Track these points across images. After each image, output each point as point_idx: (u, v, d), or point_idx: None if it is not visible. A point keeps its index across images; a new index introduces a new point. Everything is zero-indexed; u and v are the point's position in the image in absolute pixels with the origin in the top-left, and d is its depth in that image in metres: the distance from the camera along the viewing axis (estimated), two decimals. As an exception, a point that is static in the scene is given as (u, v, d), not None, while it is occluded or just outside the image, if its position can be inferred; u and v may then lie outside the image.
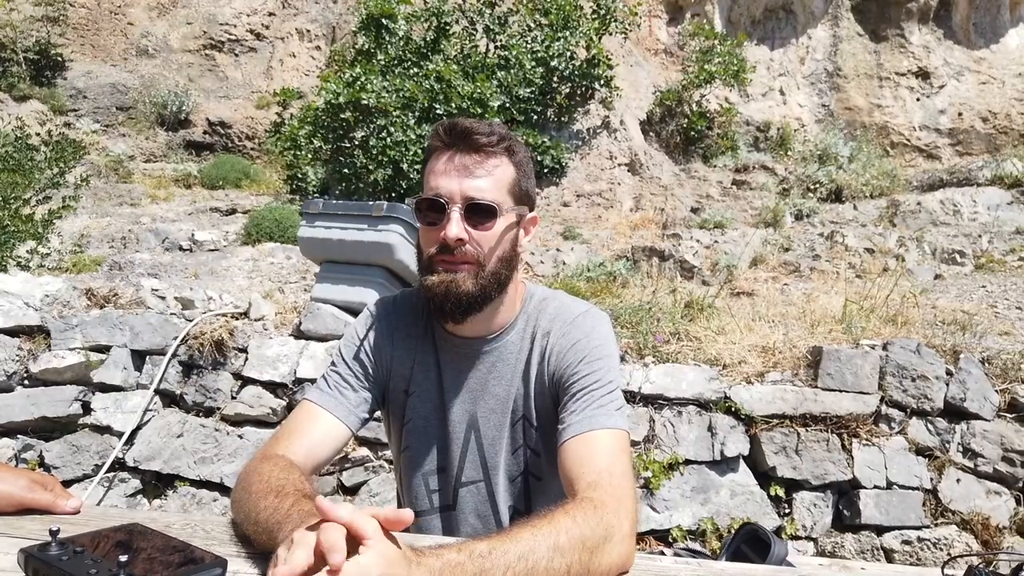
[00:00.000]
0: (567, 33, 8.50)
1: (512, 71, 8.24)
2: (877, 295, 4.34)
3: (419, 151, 7.53)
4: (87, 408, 3.41)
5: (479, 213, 1.29)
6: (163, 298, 3.87)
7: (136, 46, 10.70)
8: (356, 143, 7.83)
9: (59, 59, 10.25)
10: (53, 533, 1.01)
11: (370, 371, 1.47)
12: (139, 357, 3.52)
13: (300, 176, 8.46)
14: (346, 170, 7.74)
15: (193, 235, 6.93)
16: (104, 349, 3.47)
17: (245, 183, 9.35)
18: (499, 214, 1.30)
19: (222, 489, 3.24)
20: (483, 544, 0.93)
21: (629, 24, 9.17)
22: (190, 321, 3.55)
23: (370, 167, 7.64)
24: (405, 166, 7.53)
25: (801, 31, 11.44)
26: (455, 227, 1.27)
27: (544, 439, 1.42)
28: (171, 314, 3.70)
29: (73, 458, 3.32)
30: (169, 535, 1.10)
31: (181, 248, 6.89)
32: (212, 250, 6.84)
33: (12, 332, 3.53)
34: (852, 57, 11.21)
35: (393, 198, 7.58)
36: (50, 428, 3.38)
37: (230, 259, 6.44)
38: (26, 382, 3.44)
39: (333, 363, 1.49)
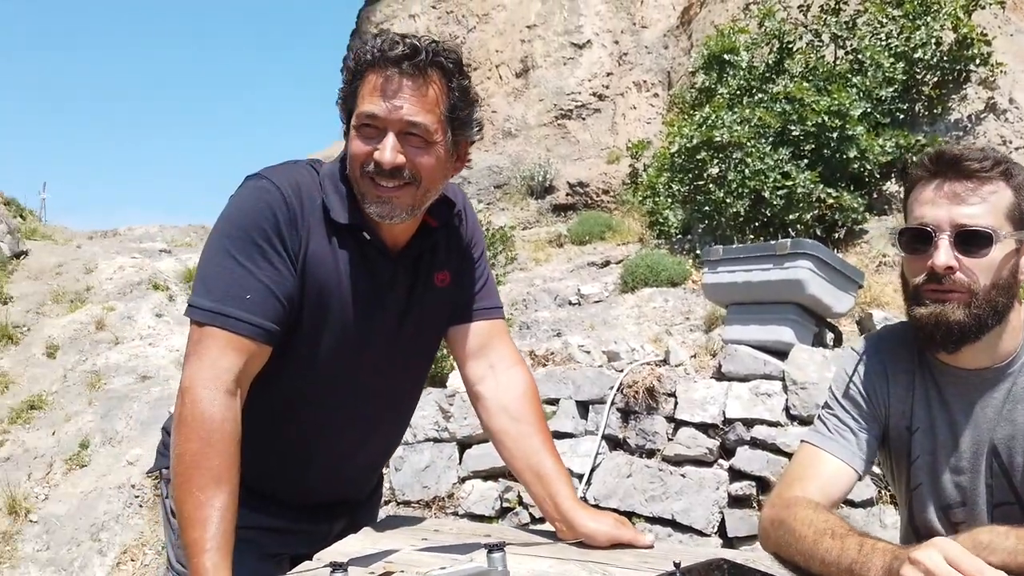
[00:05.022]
0: (927, 19, 7.77)
1: (868, 74, 7.76)
2: None
3: (778, 176, 7.42)
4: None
5: (971, 241, 1.29)
6: (588, 352, 4.38)
7: (501, 130, 12.25)
8: (711, 179, 7.98)
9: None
10: (676, 565, 1.28)
11: (867, 410, 1.50)
12: (582, 407, 4.03)
13: (661, 221, 8.84)
14: (706, 208, 7.91)
15: (579, 290, 7.64)
16: (554, 402, 4.04)
17: (608, 235, 10.02)
18: (995, 241, 1.29)
19: (674, 525, 3.53)
20: None
21: (1003, -9, 8.08)
22: (620, 372, 3.97)
23: (727, 200, 7.72)
24: (767, 194, 7.46)
25: None
26: (943, 255, 1.29)
27: None
28: (598, 367, 4.17)
29: (542, 497, 3.88)
30: (758, 568, 1.32)
31: (570, 303, 7.63)
32: (597, 302, 7.46)
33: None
34: None
35: (756, 228, 7.55)
36: (522, 472, 4.01)
37: (616, 308, 6.97)
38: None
39: (827, 405, 1.55)
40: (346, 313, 1.46)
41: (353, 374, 1.52)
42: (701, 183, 8.12)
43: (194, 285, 1.41)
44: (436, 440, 4.16)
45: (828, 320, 4.00)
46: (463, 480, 4.08)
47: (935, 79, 8.07)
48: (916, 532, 1.60)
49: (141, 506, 5.00)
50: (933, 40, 7.78)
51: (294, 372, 1.47)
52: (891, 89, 7.74)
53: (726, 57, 8.21)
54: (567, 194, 11.10)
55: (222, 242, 1.38)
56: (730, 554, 1.40)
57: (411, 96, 1.34)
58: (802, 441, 1.57)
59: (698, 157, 7.85)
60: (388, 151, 1.34)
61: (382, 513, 1.85)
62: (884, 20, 8.14)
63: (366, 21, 14.84)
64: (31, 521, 4.92)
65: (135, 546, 4.75)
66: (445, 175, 1.46)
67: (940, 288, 1.32)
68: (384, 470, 2.14)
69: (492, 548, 1.19)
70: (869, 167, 7.27)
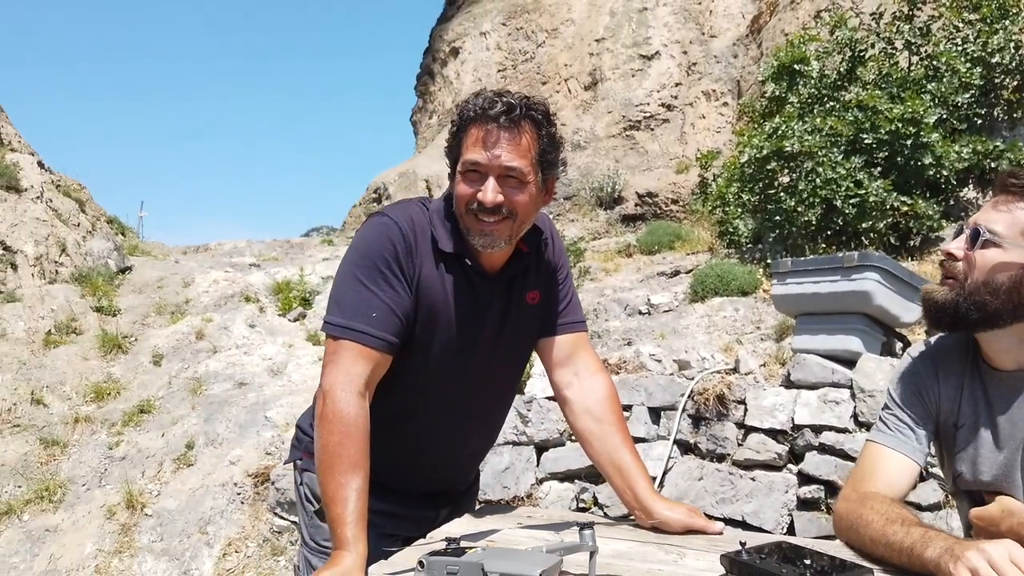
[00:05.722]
0: (1006, 23, 7.65)
1: (944, 80, 7.68)
2: None
3: (851, 185, 7.41)
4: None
5: (973, 236, 1.49)
6: (659, 361, 4.56)
7: (570, 142, 12.49)
8: (782, 189, 8.01)
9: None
10: (742, 544, 1.47)
11: (921, 409, 1.67)
12: (654, 413, 4.22)
13: (731, 230, 8.90)
14: (777, 217, 7.94)
15: (649, 299, 7.79)
16: (627, 408, 4.24)
17: (678, 244, 10.11)
18: (983, 239, 1.46)
19: (744, 526, 3.68)
20: None
21: (1087, -11, 7.87)
22: (691, 380, 4.14)
23: (799, 210, 7.74)
24: (839, 202, 7.45)
25: None
26: (952, 244, 1.51)
27: None
28: (669, 375, 4.35)
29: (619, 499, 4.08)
30: (816, 549, 1.50)
31: (640, 312, 7.78)
32: (667, 311, 7.59)
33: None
34: None
35: (828, 237, 7.55)
36: (597, 474, 4.22)
37: (686, 318, 7.09)
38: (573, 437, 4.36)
39: (886, 406, 1.72)
40: (452, 327, 1.73)
41: (458, 380, 1.79)
42: (772, 192, 8.15)
43: (328, 306, 1.70)
44: (515, 443, 4.41)
45: (896, 330, 4.07)
46: (541, 481, 4.32)
47: (1015, 83, 7.92)
48: (964, 517, 1.74)
49: (243, 503, 5.42)
50: (1012, 44, 7.65)
51: (409, 381, 1.74)
52: (968, 95, 7.65)
53: (796, 67, 8.24)
54: (636, 204, 11.25)
55: (351, 269, 1.67)
56: (793, 540, 1.60)
57: (507, 145, 1.60)
58: (867, 440, 1.75)
59: (768, 167, 7.89)
60: (490, 192, 1.60)
61: (473, 507, 2.10)
62: (960, 25, 8.04)
63: (438, 39, 15.32)
64: (146, 515, 5.39)
65: (238, 539, 5.16)
66: (537, 208, 1.72)
67: (944, 271, 1.53)
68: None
69: (583, 526, 1.41)
70: (945, 174, 7.20)
